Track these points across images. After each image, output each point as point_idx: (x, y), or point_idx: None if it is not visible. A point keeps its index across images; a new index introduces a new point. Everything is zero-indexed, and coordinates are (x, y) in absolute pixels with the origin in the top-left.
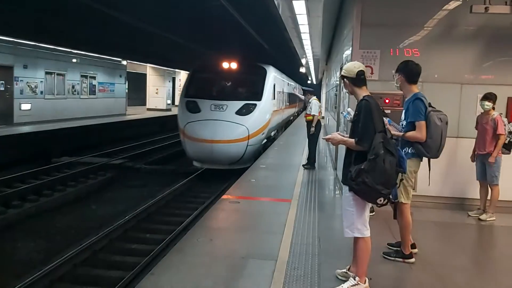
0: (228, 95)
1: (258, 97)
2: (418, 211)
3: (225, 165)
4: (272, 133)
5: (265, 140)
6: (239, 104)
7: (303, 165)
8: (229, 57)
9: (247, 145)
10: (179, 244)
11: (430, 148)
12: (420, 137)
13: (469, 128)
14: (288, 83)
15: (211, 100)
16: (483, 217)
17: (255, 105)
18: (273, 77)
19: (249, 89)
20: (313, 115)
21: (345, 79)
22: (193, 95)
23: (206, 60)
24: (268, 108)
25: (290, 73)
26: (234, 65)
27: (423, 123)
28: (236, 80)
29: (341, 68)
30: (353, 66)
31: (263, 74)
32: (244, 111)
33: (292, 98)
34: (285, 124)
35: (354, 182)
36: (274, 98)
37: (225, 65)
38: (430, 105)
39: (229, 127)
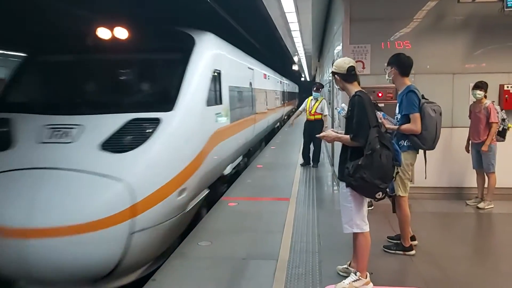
0: (91, 103)
1: (167, 102)
2: (416, 203)
3: None
4: (227, 171)
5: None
6: (115, 122)
7: (313, 166)
8: (112, 20)
9: (130, 233)
10: (180, 248)
11: (425, 140)
12: (415, 129)
13: (462, 118)
14: (267, 74)
15: (46, 115)
16: (481, 205)
17: (156, 122)
18: (214, 57)
19: (147, 85)
20: (325, 115)
21: (336, 75)
22: (8, 106)
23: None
24: (195, 127)
25: (282, 71)
26: (121, 34)
27: (417, 115)
28: (118, 66)
29: (332, 64)
30: (343, 62)
31: (186, 51)
32: (126, 139)
33: (278, 97)
34: (267, 135)
35: (352, 178)
36: (221, 102)
37: (102, 34)
38: (423, 97)
39: (77, 189)
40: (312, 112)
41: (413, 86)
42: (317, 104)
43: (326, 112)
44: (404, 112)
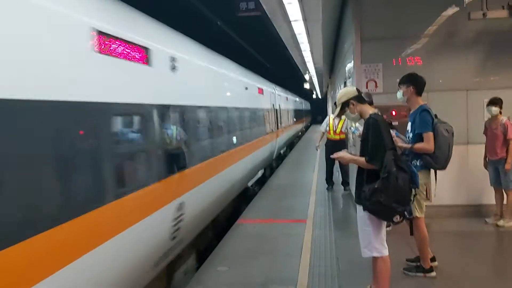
0: None
1: None
2: (434, 222)
3: None
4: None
5: None
6: None
7: (345, 189)
8: None
9: None
10: (198, 274)
11: (438, 159)
12: (429, 148)
13: (478, 134)
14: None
15: None
16: (500, 223)
17: None
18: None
19: None
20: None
21: (351, 101)
22: None
23: None
24: None
25: (294, 89)
26: None
27: (431, 134)
28: None
29: (335, 103)
30: (348, 88)
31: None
32: None
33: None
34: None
35: (368, 202)
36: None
37: None
38: (436, 117)
39: None
40: (338, 131)
41: (427, 106)
42: (342, 122)
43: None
44: (418, 131)
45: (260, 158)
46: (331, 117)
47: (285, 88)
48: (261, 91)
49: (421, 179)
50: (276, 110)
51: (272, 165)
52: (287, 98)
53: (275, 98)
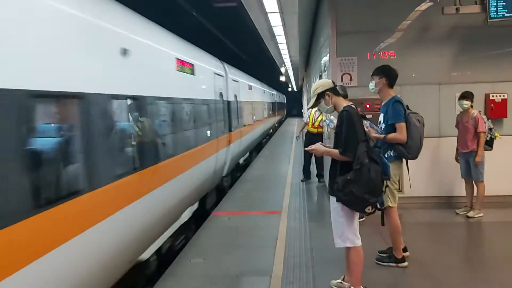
0: None
1: None
2: (407, 213)
3: None
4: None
5: None
6: None
7: (319, 181)
8: None
9: None
10: (172, 267)
11: (411, 149)
12: (401, 138)
13: (450, 127)
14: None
15: None
16: (470, 214)
17: None
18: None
19: None
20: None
21: (327, 93)
22: None
23: None
24: None
25: (270, 82)
26: None
27: (403, 124)
28: None
29: (312, 92)
30: (325, 80)
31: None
32: None
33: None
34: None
35: (341, 192)
36: None
37: None
38: (407, 108)
39: None
40: (316, 124)
41: (398, 97)
42: (321, 116)
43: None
44: (391, 122)
45: (186, 188)
46: (313, 110)
47: (262, 81)
48: (190, 67)
49: (394, 169)
50: (229, 102)
51: (221, 185)
52: (250, 87)
53: (226, 83)
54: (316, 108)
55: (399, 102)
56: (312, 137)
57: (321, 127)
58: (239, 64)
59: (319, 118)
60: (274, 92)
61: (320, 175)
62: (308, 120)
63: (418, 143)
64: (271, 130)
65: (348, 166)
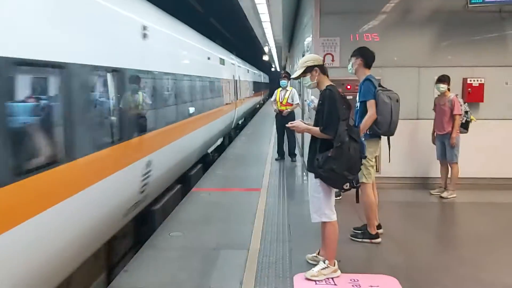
0: None
1: None
2: (383, 192)
3: None
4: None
5: None
6: None
7: (292, 160)
8: None
9: None
10: (151, 239)
11: (381, 125)
12: (370, 115)
13: (427, 110)
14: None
15: None
16: (444, 194)
17: None
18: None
19: None
20: (297, 104)
21: (315, 68)
22: None
23: None
24: None
25: (253, 61)
26: None
27: (373, 101)
28: None
29: (302, 61)
30: (316, 56)
31: None
32: None
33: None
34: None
35: (321, 169)
36: None
37: None
38: (380, 85)
39: None
40: (284, 102)
41: (371, 76)
42: (288, 94)
43: (297, 101)
44: (361, 99)
45: (219, 127)
46: (278, 90)
47: (245, 60)
48: (222, 62)
49: (370, 146)
50: (236, 81)
51: (230, 134)
52: (247, 71)
53: (235, 69)
54: (280, 88)
55: (369, 80)
56: (283, 115)
57: (290, 104)
58: (224, 43)
59: (286, 96)
60: (262, 73)
61: (292, 154)
62: (275, 98)
63: (388, 118)
64: (258, 105)
65: (328, 144)
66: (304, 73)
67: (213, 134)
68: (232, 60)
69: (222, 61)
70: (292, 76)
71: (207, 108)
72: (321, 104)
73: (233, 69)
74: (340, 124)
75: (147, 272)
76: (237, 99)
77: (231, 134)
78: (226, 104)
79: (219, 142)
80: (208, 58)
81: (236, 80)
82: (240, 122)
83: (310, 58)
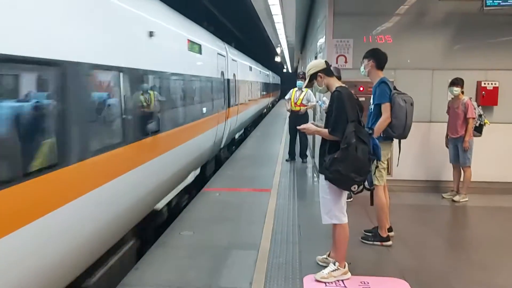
0: None
1: None
2: (394, 195)
3: None
4: None
5: None
6: None
7: (302, 162)
8: None
9: None
10: (162, 238)
11: (396, 128)
12: (385, 118)
13: (441, 113)
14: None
15: None
16: (456, 198)
17: None
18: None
19: None
20: (314, 103)
21: (319, 74)
22: None
23: None
24: None
25: (265, 62)
26: None
27: (388, 104)
28: None
29: (306, 72)
30: (318, 61)
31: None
32: None
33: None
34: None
35: (328, 171)
36: None
37: None
38: (395, 88)
39: None
40: (298, 103)
41: (386, 78)
42: (302, 95)
43: (313, 101)
44: (376, 102)
45: (182, 161)
46: (294, 90)
47: (258, 62)
48: (195, 48)
49: (383, 149)
50: (229, 80)
51: (219, 156)
52: (250, 68)
53: (227, 64)
54: (296, 88)
55: (385, 83)
56: (296, 116)
57: (304, 105)
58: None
59: (301, 97)
60: (271, 73)
61: (304, 155)
62: (290, 98)
63: (403, 121)
64: (265, 110)
65: (337, 145)
66: (310, 82)
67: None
68: (220, 49)
69: (195, 48)
70: (303, 87)
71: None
72: (330, 106)
73: (223, 64)
74: (348, 126)
75: (158, 270)
76: (229, 105)
77: (219, 156)
78: (206, 116)
79: (190, 178)
80: (151, 35)
81: (229, 80)
82: (236, 136)
83: (311, 66)
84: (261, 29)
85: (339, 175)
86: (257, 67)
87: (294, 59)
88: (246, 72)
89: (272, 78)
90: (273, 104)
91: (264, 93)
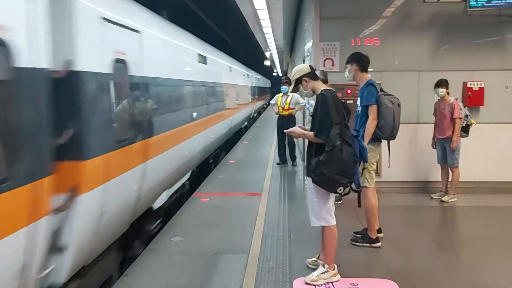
0: None
1: None
2: (383, 197)
3: None
4: None
5: None
6: None
7: (292, 165)
8: None
9: None
10: (152, 244)
11: (384, 129)
12: (372, 119)
13: (428, 114)
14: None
15: None
16: (445, 198)
17: None
18: None
19: None
20: (303, 105)
21: (304, 78)
22: None
23: None
24: None
25: (254, 66)
26: None
27: (375, 106)
28: None
29: (291, 78)
30: (302, 65)
31: None
32: None
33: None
34: None
35: (314, 173)
36: None
37: None
38: (381, 90)
39: None
40: (286, 107)
41: (372, 80)
42: (289, 99)
43: (303, 102)
44: (364, 103)
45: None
46: (280, 95)
47: (248, 67)
48: (259, 78)
49: (372, 151)
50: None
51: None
52: (258, 79)
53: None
54: (282, 93)
55: (372, 84)
56: (284, 120)
57: (292, 109)
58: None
59: (288, 101)
60: (260, 77)
61: (293, 157)
62: (276, 102)
63: (391, 122)
64: (257, 112)
65: (323, 148)
66: (296, 87)
67: None
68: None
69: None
70: (289, 91)
71: None
72: (315, 109)
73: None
74: (333, 128)
75: (148, 277)
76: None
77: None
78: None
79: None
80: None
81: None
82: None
83: (295, 71)
84: (249, 33)
85: (324, 177)
86: (231, 64)
87: (284, 63)
88: (207, 70)
89: (255, 80)
90: (266, 107)
91: (245, 100)
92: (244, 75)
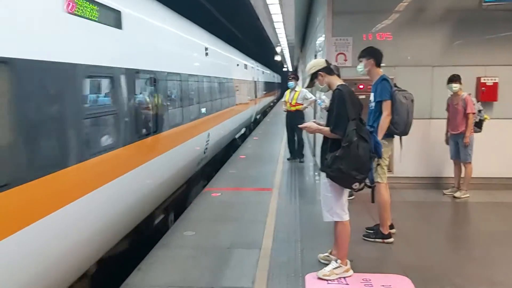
0: None
1: None
2: (396, 192)
3: None
4: None
5: None
6: None
7: (300, 161)
8: None
9: None
10: (164, 238)
11: (397, 125)
12: (387, 115)
13: (441, 109)
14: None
15: None
16: (457, 194)
17: None
18: None
19: None
20: (312, 100)
21: (320, 73)
22: None
23: None
24: None
25: (265, 61)
26: None
27: (388, 101)
28: None
29: (307, 72)
30: (318, 60)
31: None
32: None
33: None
34: None
35: (330, 169)
36: None
37: None
38: (395, 85)
39: None
40: (293, 103)
41: (386, 76)
42: (296, 94)
43: (312, 97)
44: (378, 99)
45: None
46: (288, 91)
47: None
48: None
49: (385, 146)
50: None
51: None
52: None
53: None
54: (304, 86)
55: (386, 80)
56: (292, 115)
57: (299, 104)
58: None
59: (295, 96)
60: (270, 72)
61: (301, 154)
62: (285, 99)
63: (405, 118)
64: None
65: (339, 143)
66: (312, 81)
67: None
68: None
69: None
70: (304, 87)
71: None
72: (331, 104)
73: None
74: (349, 124)
75: (161, 271)
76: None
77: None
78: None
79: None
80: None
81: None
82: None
83: (311, 65)
84: (260, 28)
85: (340, 173)
86: (268, 71)
87: (294, 58)
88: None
89: (256, 74)
90: (276, 101)
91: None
92: (238, 65)
